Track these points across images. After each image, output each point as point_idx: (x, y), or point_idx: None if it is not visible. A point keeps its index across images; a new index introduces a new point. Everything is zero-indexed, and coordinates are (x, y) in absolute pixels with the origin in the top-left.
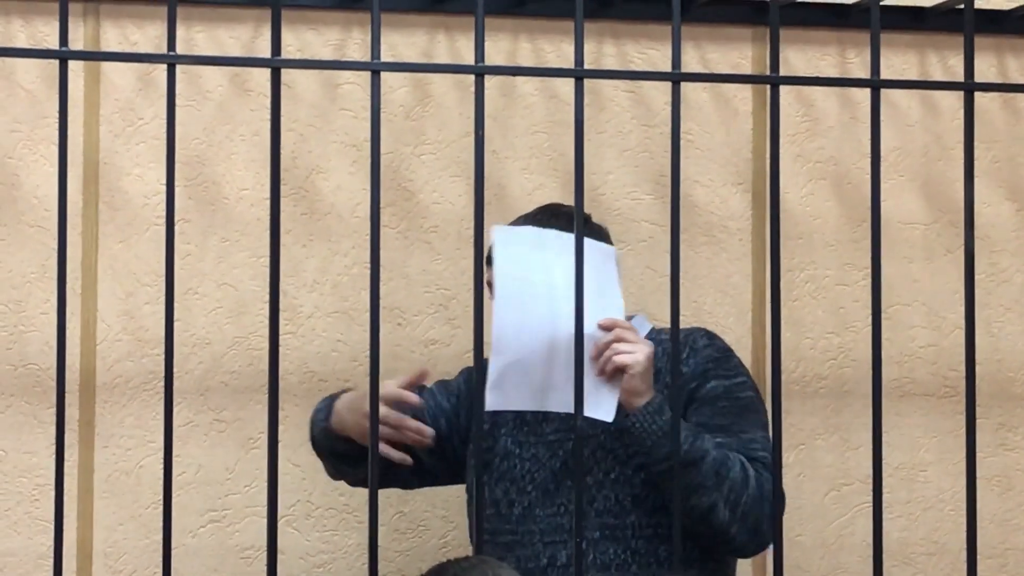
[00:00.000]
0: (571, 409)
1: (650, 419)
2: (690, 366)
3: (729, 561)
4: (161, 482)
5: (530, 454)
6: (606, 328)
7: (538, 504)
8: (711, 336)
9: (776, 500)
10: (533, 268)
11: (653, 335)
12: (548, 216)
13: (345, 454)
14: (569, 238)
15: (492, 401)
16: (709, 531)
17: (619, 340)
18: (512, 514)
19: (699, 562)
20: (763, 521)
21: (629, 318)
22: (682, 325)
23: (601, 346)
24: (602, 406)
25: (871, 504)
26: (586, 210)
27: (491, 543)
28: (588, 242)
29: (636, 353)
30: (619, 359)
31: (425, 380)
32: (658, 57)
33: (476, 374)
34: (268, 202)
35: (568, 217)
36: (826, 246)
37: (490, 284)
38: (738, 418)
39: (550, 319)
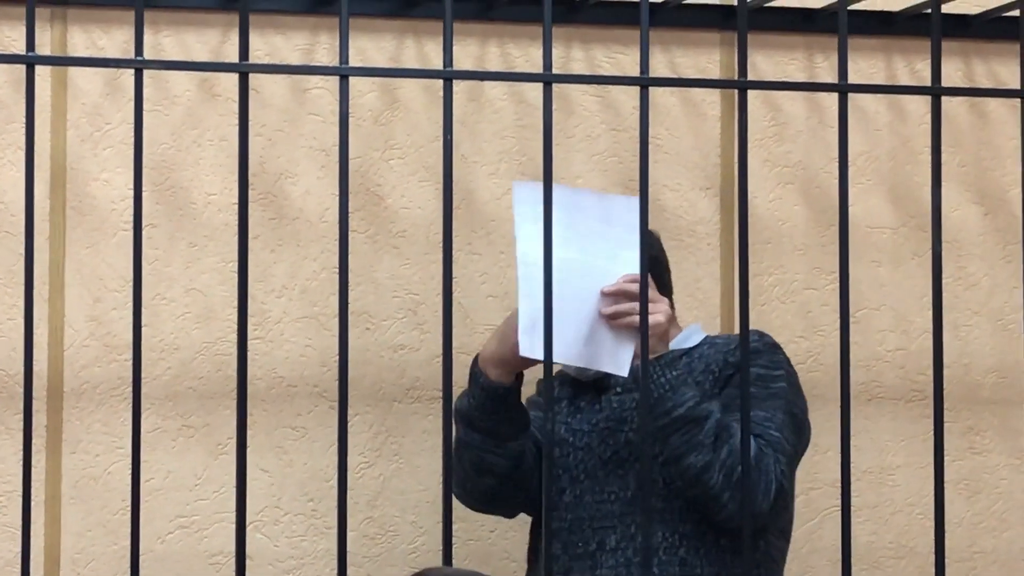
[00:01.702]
0: (598, 366)
1: (660, 372)
2: (735, 357)
3: (778, 552)
4: (129, 488)
5: (583, 443)
6: (629, 283)
7: (588, 491)
8: (761, 335)
9: (744, 501)
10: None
11: (708, 341)
12: None
13: (493, 430)
14: (590, 195)
15: (525, 346)
16: (702, 495)
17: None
18: (562, 501)
19: (749, 550)
20: (757, 493)
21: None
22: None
23: (621, 293)
24: (616, 360)
25: (839, 508)
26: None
27: (538, 530)
28: (615, 197)
29: (657, 314)
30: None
31: None
32: (626, 61)
33: (444, 379)
34: (236, 207)
35: None
36: (794, 250)
37: None
38: (760, 401)
39: (575, 271)
